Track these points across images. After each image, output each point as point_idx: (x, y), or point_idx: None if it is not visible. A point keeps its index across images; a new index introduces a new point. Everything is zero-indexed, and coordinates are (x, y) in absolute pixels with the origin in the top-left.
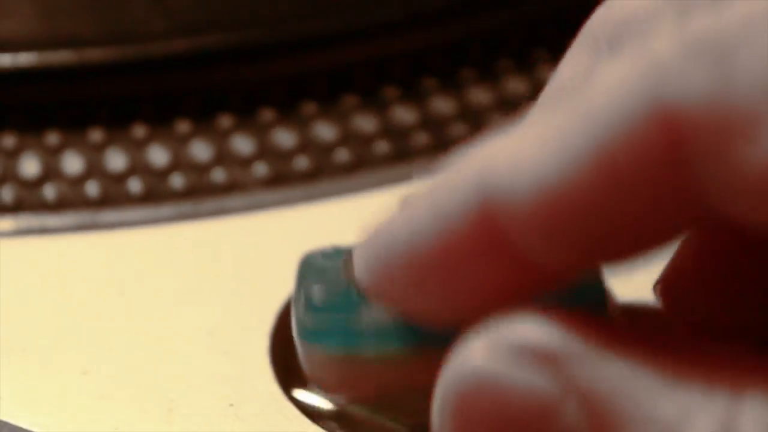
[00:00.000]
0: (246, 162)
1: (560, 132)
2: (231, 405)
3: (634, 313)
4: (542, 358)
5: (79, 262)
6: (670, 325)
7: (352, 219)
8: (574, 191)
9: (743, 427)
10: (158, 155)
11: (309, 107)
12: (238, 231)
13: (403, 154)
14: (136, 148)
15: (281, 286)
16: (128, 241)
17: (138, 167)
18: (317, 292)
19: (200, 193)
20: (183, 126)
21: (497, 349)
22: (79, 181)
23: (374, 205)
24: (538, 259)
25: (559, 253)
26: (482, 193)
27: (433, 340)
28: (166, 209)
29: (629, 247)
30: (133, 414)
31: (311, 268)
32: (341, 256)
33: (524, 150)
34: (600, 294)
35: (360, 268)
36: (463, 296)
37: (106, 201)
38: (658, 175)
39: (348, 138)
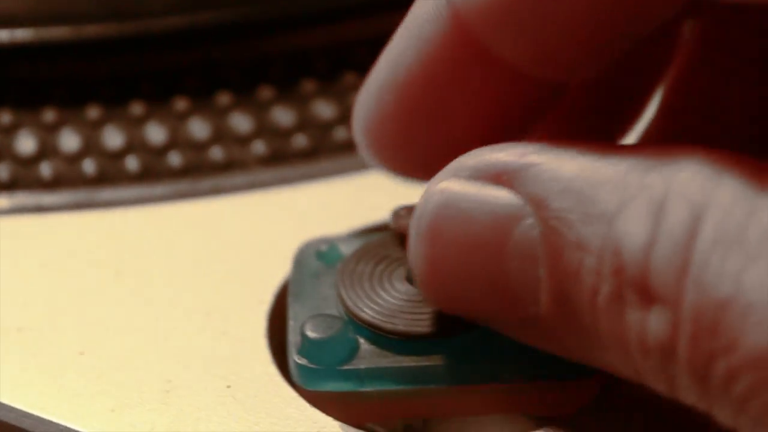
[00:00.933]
0: (244, 140)
1: None
2: (228, 386)
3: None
4: (499, 175)
5: (76, 241)
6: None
7: (350, 198)
8: None
9: (682, 186)
10: (156, 133)
11: (308, 85)
12: (236, 210)
13: None
14: (134, 125)
15: (280, 266)
16: (125, 220)
17: (135, 145)
18: (312, 332)
19: (198, 172)
20: (181, 103)
21: (460, 174)
22: (76, 158)
23: (373, 183)
24: (505, 54)
25: (518, 42)
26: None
27: (432, 378)
28: (163, 187)
29: (586, 32)
30: (129, 394)
31: (305, 270)
32: (336, 256)
33: None
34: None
35: (357, 123)
36: (453, 122)
37: (102, 179)
38: None
39: (348, 116)
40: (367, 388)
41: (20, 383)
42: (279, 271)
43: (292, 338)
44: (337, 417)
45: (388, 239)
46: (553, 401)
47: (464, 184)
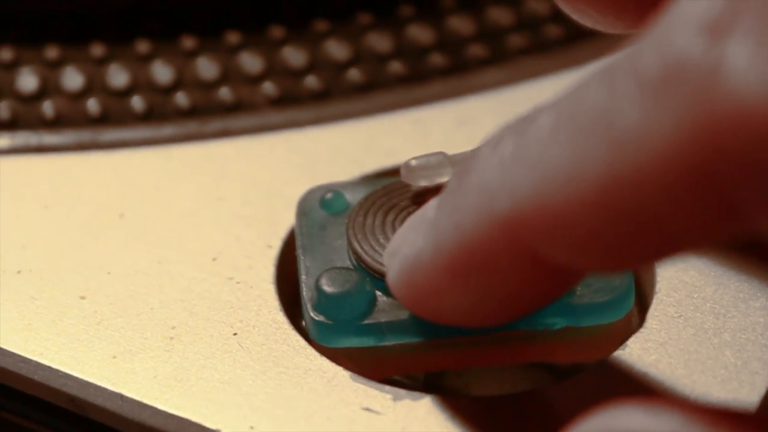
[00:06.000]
0: (254, 80)
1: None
2: (234, 334)
3: None
4: None
5: (78, 182)
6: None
7: (363, 143)
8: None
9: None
10: (162, 72)
11: (321, 24)
12: (245, 152)
13: (417, 75)
14: (140, 63)
15: (288, 210)
16: (129, 161)
17: (141, 84)
18: (328, 286)
19: (205, 112)
20: (188, 42)
21: None
22: (79, 97)
23: (387, 128)
24: (564, 264)
25: (585, 259)
26: (506, 218)
27: (453, 329)
28: (169, 128)
29: (655, 252)
30: (132, 341)
31: (311, 221)
32: (341, 204)
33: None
34: (627, 288)
35: (393, 283)
36: (487, 302)
37: (106, 118)
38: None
39: (361, 57)
40: (389, 342)
41: (18, 327)
42: (288, 216)
43: (306, 294)
44: (354, 370)
45: (394, 187)
46: (573, 350)
47: None
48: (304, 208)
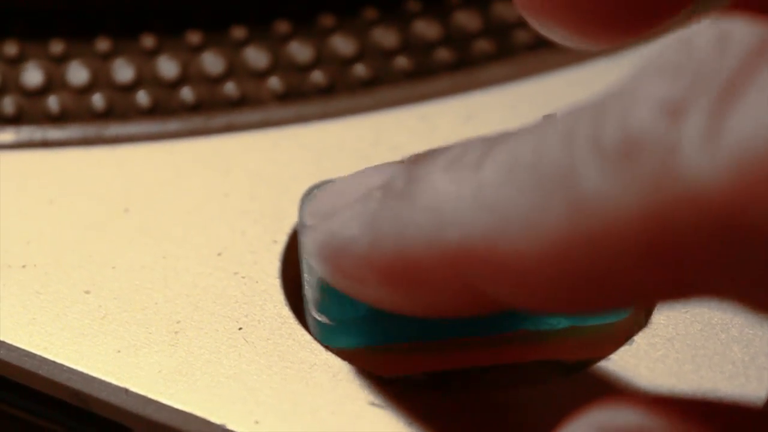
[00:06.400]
0: (259, 75)
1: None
2: (240, 328)
3: None
4: None
5: (83, 177)
6: None
7: (369, 138)
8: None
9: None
10: (168, 66)
11: (327, 19)
12: (250, 147)
13: (424, 71)
14: (145, 58)
15: (294, 206)
16: (134, 156)
17: (146, 79)
18: (326, 295)
19: (211, 107)
20: (194, 36)
21: None
22: (84, 92)
23: (393, 123)
24: (503, 302)
25: (529, 302)
26: (453, 250)
27: (460, 327)
28: (174, 123)
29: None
30: (136, 336)
31: None
32: None
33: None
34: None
35: (312, 250)
36: (411, 304)
37: (112, 113)
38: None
39: (367, 52)
40: (393, 342)
41: (23, 322)
42: (293, 211)
43: (310, 294)
44: (361, 367)
45: None
46: (577, 348)
47: None
48: (305, 205)
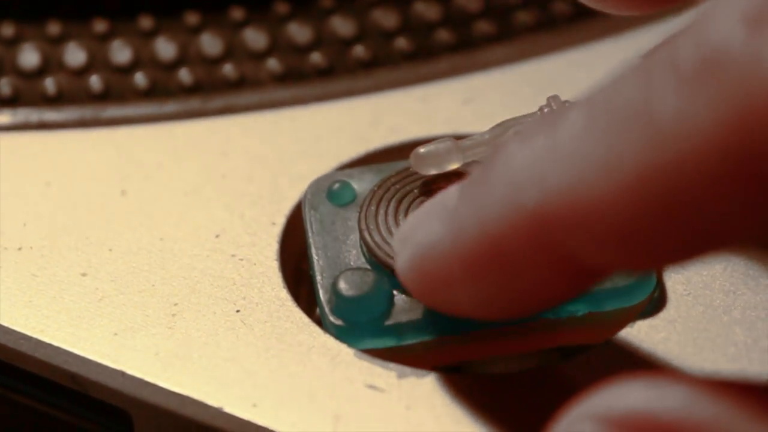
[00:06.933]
0: (258, 56)
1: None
2: (237, 311)
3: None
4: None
5: (80, 159)
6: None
7: (368, 119)
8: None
9: None
10: (165, 48)
11: (326, 0)
12: (249, 129)
13: (424, 52)
14: (142, 39)
15: (292, 188)
16: (132, 138)
17: (144, 60)
18: (347, 290)
19: (209, 89)
20: (192, 17)
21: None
22: (82, 73)
23: (392, 105)
24: (590, 263)
25: (616, 258)
26: (535, 212)
27: (472, 323)
28: (172, 105)
29: (684, 254)
30: (133, 318)
31: (320, 216)
32: (350, 195)
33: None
34: (650, 288)
35: (402, 269)
36: (502, 296)
37: (109, 95)
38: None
39: (366, 33)
40: (409, 341)
41: (19, 304)
42: (292, 193)
43: (324, 296)
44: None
45: (404, 174)
46: (593, 334)
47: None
48: (312, 203)
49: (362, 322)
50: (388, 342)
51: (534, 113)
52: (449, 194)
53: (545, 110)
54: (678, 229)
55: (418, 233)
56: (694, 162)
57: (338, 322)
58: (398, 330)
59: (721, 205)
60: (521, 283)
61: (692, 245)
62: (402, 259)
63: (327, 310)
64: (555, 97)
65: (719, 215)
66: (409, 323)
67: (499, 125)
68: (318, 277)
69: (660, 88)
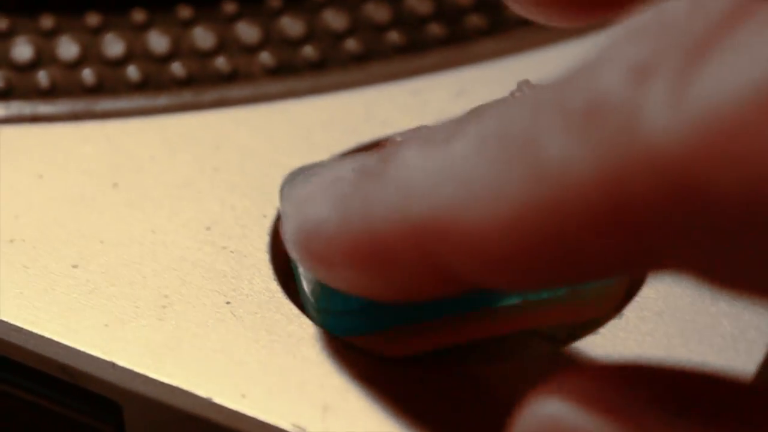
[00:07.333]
0: (250, 50)
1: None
2: (228, 303)
3: None
4: None
5: (72, 152)
6: None
7: (360, 113)
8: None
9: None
10: (158, 41)
11: None
12: (241, 122)
13: (415, 46)
14: (135, 33)
15: None
16: (125, 131)
17: (137, 53)
18: (321, 286)
19: (201, 82)
20: (185, 11)
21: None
22: (74, 66)
23: (384, 98)
24: (471, 278)
25: (495, 279)
26: (420, 223)
27: (458, 304)
28: (165, 98)
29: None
30: (124, 309)
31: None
32: None
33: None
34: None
35: (287, 238)
36: (381, 286)
37: (102, 88)
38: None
39: (358, 27)
40: (402, 324)
41: (10, 296)
42: None
43: (308, 287)
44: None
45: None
46: (573, 314)
47: None
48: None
49: (348, 309)
50: (375, 327)
51: (505, 98)
52: (347, 175)
53: (516, 95)
54: (555, 261)
55: (309, 207)
56: (573, 205)
57: (323, 310)
58: (384, 315)
59: (596, 246)
60: (397, 280)
61: (566, 277)
62: (289, 227)
63: (313, 301)
64: (526, 82)
65: (595, 254)
66: (388, 309)
67: (472, 112)
68: (301, 269)
69: (547, 127)
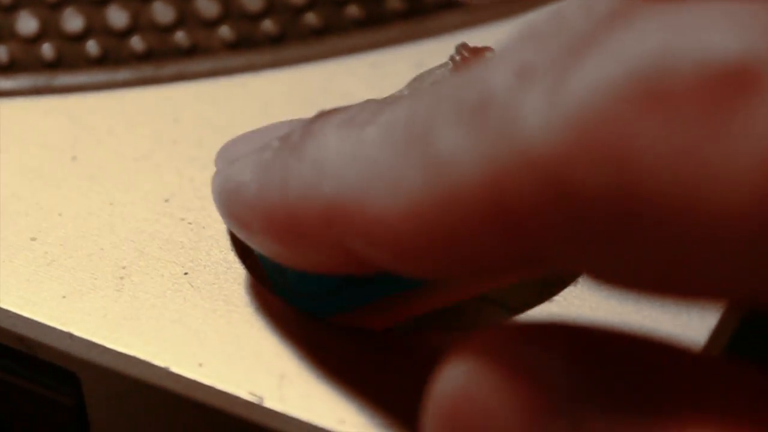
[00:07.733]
0: (210, 24)
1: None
2: (185, 273)
3: None
4: None
5: (32, 126)
6: None
7: (320, 86)
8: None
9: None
10: (117, 15)
11: None
12: (200, 96)
13: (375, 19)
14: (94, 7)
15: None
16: (84, 105)
17: (96, 28)
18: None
19: (161, 56)
20: None
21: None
22: (33, 41)
23: (344, 71)
24: (374, 262)
25: (395, 264)
26: (327, 203)
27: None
28: (124, 72)
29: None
30: (82, 281)
31: None
32: None
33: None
34: None
35: (213, 193)
36: (295, 256)
37: (61, 63)
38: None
39: (318, 1)
40: (369, 301)
41: None
42: None
43: (270, 270)
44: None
45: None
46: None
47: None
48: None
49: (318, 292)
50: (350, 304)
51: (446, 63)
52: (273, 140)
53: (456, 58)
54: (453, 255)
55: (234, 168)
56: (461, 200)
57: (296, 294)
58: (351, 293)
59: (484, 243)
60: (307, 253)
61: (470, 270)
62: (216, 183)
63: (281, 284)
64: (464, 45)
65: (488, 251)
66: (358, 287)
67: (416, 79)
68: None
69: (443, 119)
